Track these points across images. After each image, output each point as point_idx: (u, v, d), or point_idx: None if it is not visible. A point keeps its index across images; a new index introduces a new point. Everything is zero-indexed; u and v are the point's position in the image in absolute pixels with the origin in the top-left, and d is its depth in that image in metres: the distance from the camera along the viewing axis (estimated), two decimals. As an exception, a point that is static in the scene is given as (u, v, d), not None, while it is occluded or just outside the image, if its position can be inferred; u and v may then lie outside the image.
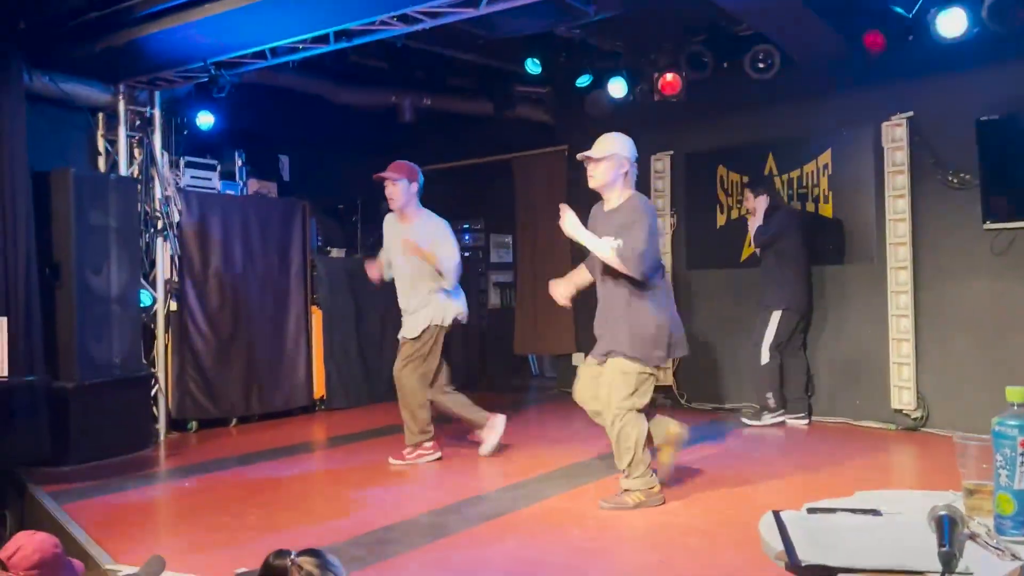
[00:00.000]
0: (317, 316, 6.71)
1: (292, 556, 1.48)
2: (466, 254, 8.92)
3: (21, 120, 4.78)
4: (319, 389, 6.67)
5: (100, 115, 5.65)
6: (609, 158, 3.77)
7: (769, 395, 5.73)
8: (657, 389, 6.64)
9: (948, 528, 1.36)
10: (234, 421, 6.07)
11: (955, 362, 5.35)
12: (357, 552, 3.16)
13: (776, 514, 1.58)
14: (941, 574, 1.27)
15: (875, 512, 1.62)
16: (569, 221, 3.71)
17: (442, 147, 8.27)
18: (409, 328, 4.75)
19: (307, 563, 1.48)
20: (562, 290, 4.04)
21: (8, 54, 4.76)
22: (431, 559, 3.20)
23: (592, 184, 3.84)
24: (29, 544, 1.99)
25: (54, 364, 4.83)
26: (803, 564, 1.36)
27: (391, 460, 4.76)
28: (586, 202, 3.95)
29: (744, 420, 5.84)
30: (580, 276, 4.07)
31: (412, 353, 4.71)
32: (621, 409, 3.67)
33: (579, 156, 3.85)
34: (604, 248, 3.67)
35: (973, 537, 1.43)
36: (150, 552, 2.39)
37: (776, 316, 5.70)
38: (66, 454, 4.73)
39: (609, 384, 3.74)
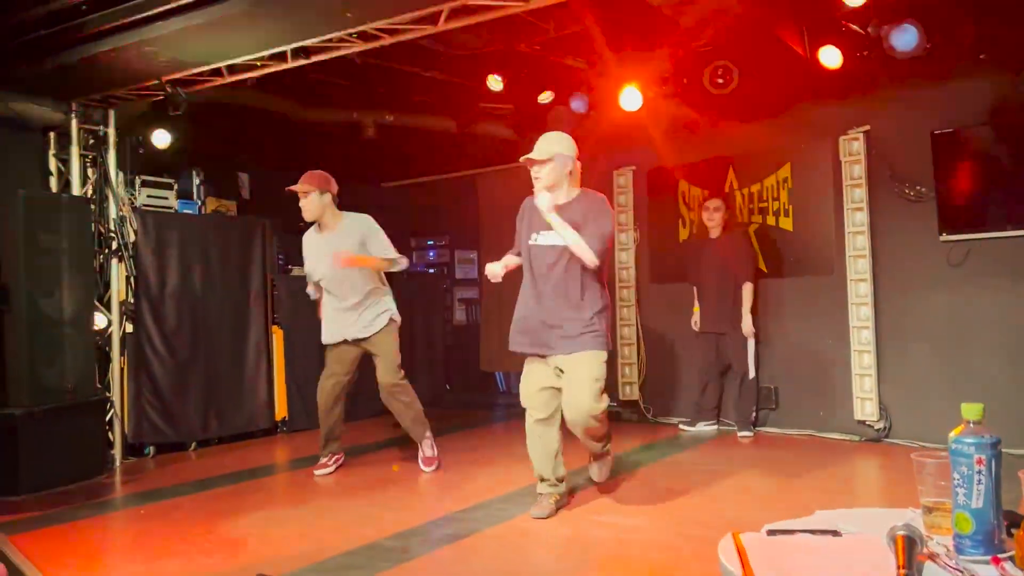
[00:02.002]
0: (278, 336, 6.60)
1: None
2: (431, 271, 8.89)
3: (-32, 141, 4.68)
4: (281, 410, 6.55)
5: (52, 134, 5.52)
6: (554, 159, 3.76)
7: (753, 409, 5.88)
8: (624, 404, 6.75)
9: (907, 549, 1.35)
10: (193, 445, 5.94)
11: (916, 372, 5.41)
12: (317, 580, 3.09)
13: (735, 536, 1.56)
14: (900, 597, 1.25)
15: (834, 532, 1.60)
16: (545, 202, 3.72)
17: (405, 164, 8.23)
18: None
19: None
20: (498, 269, 4.09)
21: (-46, 73, 4.66)
22: (393, 585, 3.13)
23: (539, 186, 3.81)
24: None
25: (3, 390, 4.70)
26: (762, 590, 1.34)
27: None
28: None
29: (682, 427, 6.24)
30: (512, 260, 4.17)
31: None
32: (599, 398, 3.79)
33: (521, 159, 3.82)
34: (574, 236, 3.72)
35: (932, 557, 1.42)
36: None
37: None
38: (16, 483, 4.58)
39: (582, 375, 3.75)
